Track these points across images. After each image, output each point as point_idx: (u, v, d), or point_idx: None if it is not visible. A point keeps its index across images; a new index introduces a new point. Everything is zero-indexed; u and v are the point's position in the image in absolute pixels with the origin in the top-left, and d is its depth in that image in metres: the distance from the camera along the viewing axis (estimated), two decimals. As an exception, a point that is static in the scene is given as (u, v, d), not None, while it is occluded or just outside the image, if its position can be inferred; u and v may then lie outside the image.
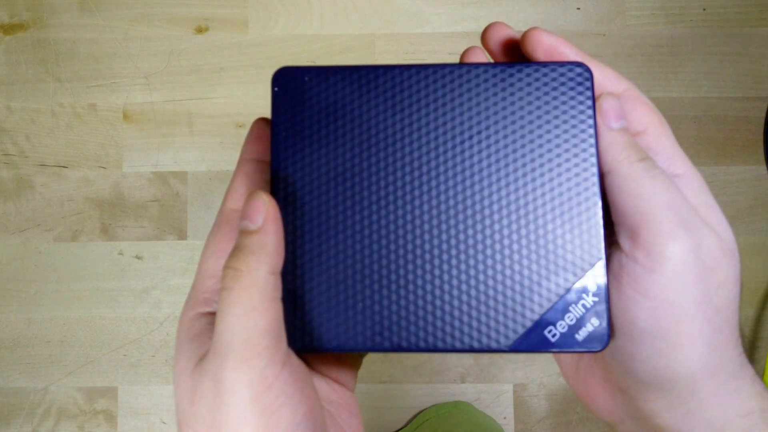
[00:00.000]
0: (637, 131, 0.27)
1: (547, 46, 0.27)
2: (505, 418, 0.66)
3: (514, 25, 0.70)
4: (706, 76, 0.70)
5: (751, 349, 0.67)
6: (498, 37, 0.28)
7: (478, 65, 0.28)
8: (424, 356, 0.67)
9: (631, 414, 0.28)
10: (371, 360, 0.67)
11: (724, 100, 0.70)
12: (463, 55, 0.29)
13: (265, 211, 0.24)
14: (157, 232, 0.69)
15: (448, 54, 0.70)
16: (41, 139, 0.70)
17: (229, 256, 0.24)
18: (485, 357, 0.67)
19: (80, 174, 0.70)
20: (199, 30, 0.71)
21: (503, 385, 0.67)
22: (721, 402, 0.25)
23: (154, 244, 0.69)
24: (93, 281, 0.69)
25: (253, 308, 0.23)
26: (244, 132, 0.70)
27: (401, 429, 0.67)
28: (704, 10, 0.71)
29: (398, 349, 0.27)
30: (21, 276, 0.69)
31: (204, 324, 0.25)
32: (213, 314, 0.25)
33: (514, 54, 0.28)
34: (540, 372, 0.67)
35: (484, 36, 0.28)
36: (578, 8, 0.71)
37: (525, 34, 0.27)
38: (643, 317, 0.25)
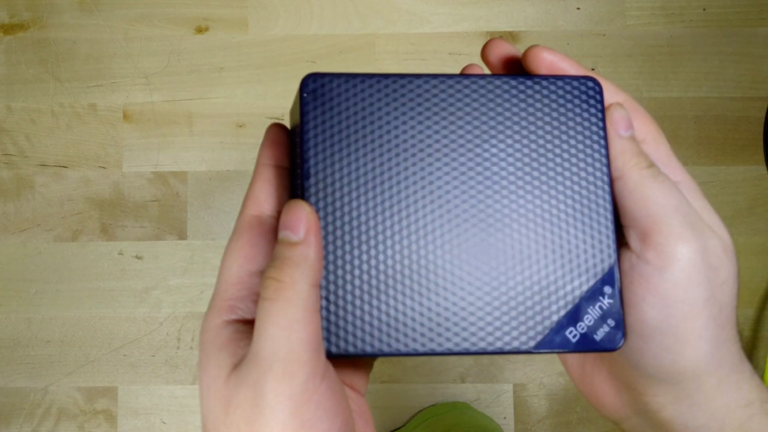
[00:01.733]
0: (638, 140, 0.28)
1: (549, 62, 0.28)
2: (505, 418, 0.66)
3: (514, 25, 0.70)
4: (706, 76, 0.70)
5: (751, 349, 0.68)
6: (498, 52, 0.29)
7: (501, 76, 0.29)
8: (425, 356, 0.67)
9: (637, 410, 0.29)
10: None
11: (724, 100, 0.70)
12: (462, 72, 0.30)
13: (307, 223, 0.24)
14: (157, 232, 0.69)
15: (448, 54, 0.70)
16: (41, 139, 0.70)
17: (269, 266, 0.24)
18: (485, 357, 0.67)
19: (80, 174, 0.70)
20: (199, 30, 0.71)
21: (503, 385, 0.67)
22: (723, 394, 0.26)
23: (154, 244, 0.69)
24: (93, 281, 0.69)
25: (297, 321, 0.23)
26: (245, 132, 0.70)
27: (398, 429, 0.67)
28: (704, 10, 0.71)
29: (431, 353, 0.28)
30: (21, 276, 0.69)
31: (231, 332, 0.25)
32: (239, 322, 0.25)
33: (514, 69, 0.30)
34: (540, 372, 0.67)
35: (484, 51, 0.30)
36: (578, 8, 0.71)
37: (527, 52, 0.28)
38: (653, 315, 0.26)
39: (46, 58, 0.71)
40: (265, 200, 0.27)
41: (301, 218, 0.24)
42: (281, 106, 0.70)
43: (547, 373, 0.67)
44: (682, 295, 0.25)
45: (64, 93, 0.71)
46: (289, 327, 0.23)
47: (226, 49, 0.71)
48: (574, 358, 0.32)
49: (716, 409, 0.26)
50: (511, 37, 0.71)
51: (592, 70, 0.71)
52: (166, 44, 0.71)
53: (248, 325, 0.25)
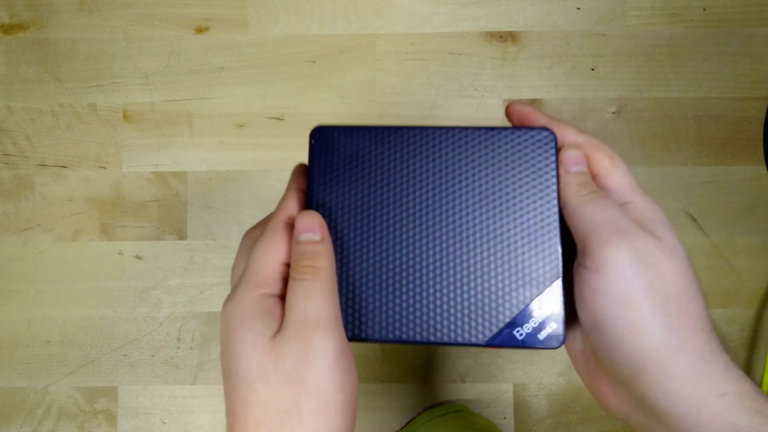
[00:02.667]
0: (595, 173, 0.34)
1: (519, 114, 0.36)
2: (505, 418, 0.66)
3: (514, 25, 0.70)
4: (706, 76, 0.70)
5: (750, 349, 0.68)
6: (518, 114, 0.37)
7: (468, 128, 0.37)
8: (425, 356, 0.67)
9: (631, 402, 0.32)
10: (370, 360, 0.67)
11: (724, 100, 0.70)
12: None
13: (321, 227, 0.33)
14: (157, 232, 0.69)
15: (448, 54, 0.70)
16: (41, 139, 0.70)
17: (304, 256, 0.32)
18: (485, 357, 0.67)
19: (80, 174, 0.70)
20: (199, 30, 0.71)
21: (503, 385, 0.67)
22: (693, 382, 0.29)
23: (154, 244, 0.69)
24: (93, 281, 0.69)
25: (332, 295, 0.31)
26: (244, 132, 0.70)
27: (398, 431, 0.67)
28: (704, 10, 0.71)
29: (413, 341, 0.36)
30: (21, 276, 0.69)
31: (272, 303, 0.32)
32: (276, 296, 0.32)
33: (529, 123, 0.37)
34: (540, 372, 0.67)
35: (507, 113, 0.38)
36: (578, 8, 0.71)
37: (507, 108, 0.37)
38: (600, 310, 0.30)
39: (46, 58, 0.71)
40: (292, 212, 0.34)
41: (318, 224, 0.33)
42: (281, 106, 0.70)
43: (547, 373, 0.67)
44: (618, 289, 0.30)
45: (64, 93, 0.71)
46: (327, 299, 0.31)
47: (226, 49, 0.71)
48: (580, 359, 0.36)
49: (688, 397, 0.29)
50: (511, 37, 0.71)
51: (592, 70, 0.71)
52: (166, 44, 0.71)
53: (279, 299, 0.32)
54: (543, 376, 0.67)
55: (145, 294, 0.69)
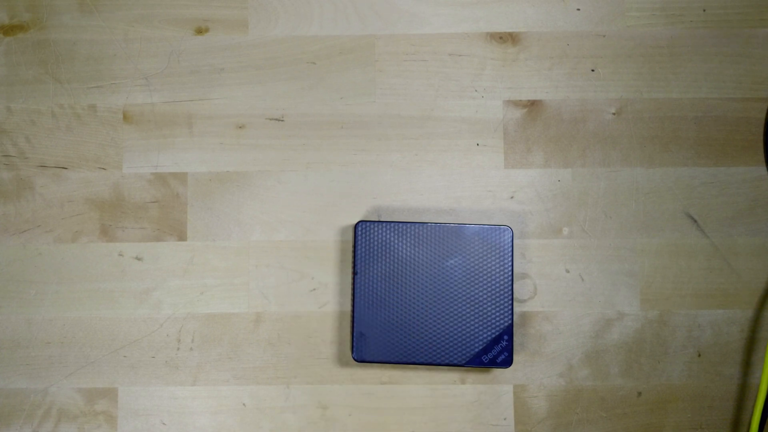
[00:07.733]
0: None
1: None
2: (505, 419, 0.66)
3: (514, 26, 0.70)
4: (706, 77, 0.70)
5: (749, 349, 0.68)
6: None
7: (459, 225, 0.58)
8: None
9: None
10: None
11: (724, 101, 0.70)
12: None
13: None
14: (157, 234, 0.69)
15: (448, 55, 0.70)
16: (41, 140, 0.70)
17: None
18: (485, 358, 0.67)
19: (80, 175, 0.70)
20: (199, 31, 0.71)
21: (503, 386, 0.66)
22: None
23: (154, 246, 0.69)
24: (93, 282, 0.69)
25: None
26: (245, 133, 0.70)
27: None
28: (704, 10, 0.71)
29: (411, 362, 0.60)
30: (21, 277, 0.69)
31: None
32: None
33: None
34: (540, 373, 0.67)
35: None
36: (578, 9, 0.71)
37: None
38: None
39: (46, 59, 0.71)
40: None
41: None
42: (281, 107, 0.70)
43: (547, 374, 0.67)
44: None
45: (64, 94, 0.71)
46: None
47: (227, 50, 0.71)
48: None
49: None
50: (511, 38, 0.71)
51: (592, 71, 0.71)
52: (166, 45, 0.71)
53: None
54: (543, 377, 0.67)
55: (145, 295, 0.69)
